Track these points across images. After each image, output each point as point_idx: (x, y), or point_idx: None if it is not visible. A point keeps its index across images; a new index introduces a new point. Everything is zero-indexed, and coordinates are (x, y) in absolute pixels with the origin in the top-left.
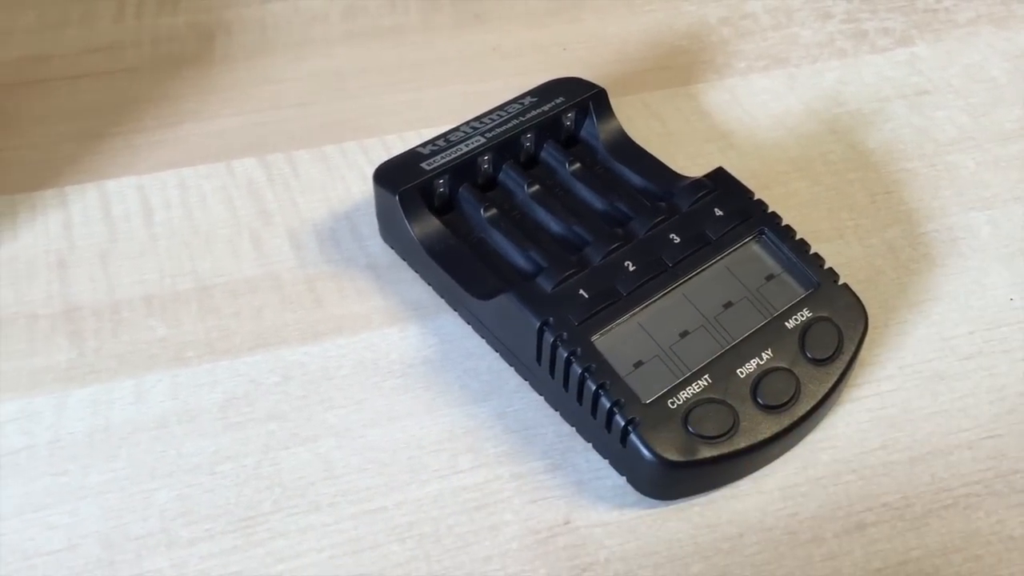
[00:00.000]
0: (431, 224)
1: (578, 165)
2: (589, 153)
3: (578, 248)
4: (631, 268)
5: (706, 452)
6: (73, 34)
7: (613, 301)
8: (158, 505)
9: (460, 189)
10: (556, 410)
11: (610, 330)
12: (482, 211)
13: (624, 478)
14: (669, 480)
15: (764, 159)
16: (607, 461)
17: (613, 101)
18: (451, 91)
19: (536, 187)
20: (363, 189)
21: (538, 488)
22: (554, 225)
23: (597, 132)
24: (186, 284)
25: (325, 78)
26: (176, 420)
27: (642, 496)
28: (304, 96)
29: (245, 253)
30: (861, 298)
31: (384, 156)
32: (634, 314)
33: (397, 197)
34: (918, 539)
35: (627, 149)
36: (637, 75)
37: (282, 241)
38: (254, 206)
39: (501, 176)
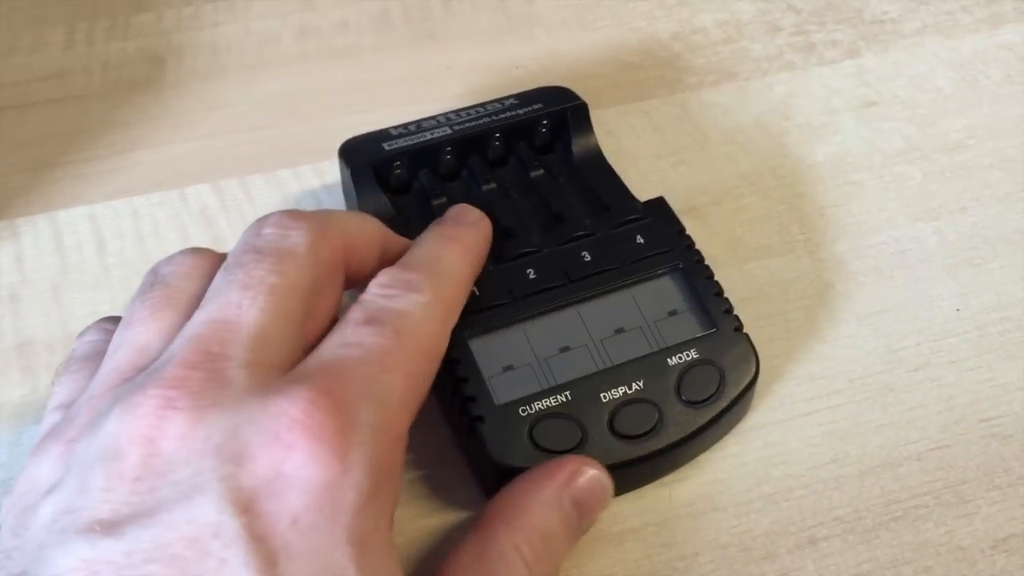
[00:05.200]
0: (380, 202)
1: (541, 172)
2: (558, 163)
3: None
4: (531, 276)
5: (541, 461)
6: (22, 62)
7: (502, 303)
8: None
9: (419, 174)
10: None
11: (489, 330)
12: (432, 199)
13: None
14: (502, 483)
15: (716, 174)
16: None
17: None
18: (405, 111)
19: (492, 185)
20: None
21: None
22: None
23: (571, 144)
24: None
25: (278, 101)
26: None
27: None
28: (257, 120)
29: None
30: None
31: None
32: (518, 320)
33: (350, 171)
34: (869, 552)
35: (595, 165)
36: (590, 92)
37: None
38: (208, 233)
39: (464, 170)
